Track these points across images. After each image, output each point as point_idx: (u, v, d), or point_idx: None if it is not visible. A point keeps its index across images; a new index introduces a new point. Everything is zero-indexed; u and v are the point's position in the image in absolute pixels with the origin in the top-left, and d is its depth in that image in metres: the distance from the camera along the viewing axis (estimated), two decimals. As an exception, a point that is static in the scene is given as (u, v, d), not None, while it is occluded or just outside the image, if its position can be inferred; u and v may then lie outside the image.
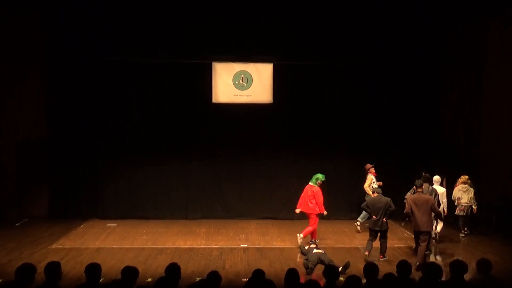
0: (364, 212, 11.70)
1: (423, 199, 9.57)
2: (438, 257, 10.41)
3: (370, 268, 5.79)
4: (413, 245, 10.61)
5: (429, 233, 9.78)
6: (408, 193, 10.47)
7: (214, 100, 13.39)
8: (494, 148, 13.22)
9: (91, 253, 10.23)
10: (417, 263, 9.18)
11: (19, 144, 13.56)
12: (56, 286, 5.46)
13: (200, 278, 7.47)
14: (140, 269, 5.88)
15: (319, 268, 8.63)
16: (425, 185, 10.29)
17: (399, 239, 11.56)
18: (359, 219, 12.39)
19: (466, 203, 11.76)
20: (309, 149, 13.71)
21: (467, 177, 11.94)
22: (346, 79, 13.67)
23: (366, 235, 10.47)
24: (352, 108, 13.77)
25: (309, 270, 8.86)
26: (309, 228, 10.83)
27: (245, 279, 7.72)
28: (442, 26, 13.71)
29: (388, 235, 10.10)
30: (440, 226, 11.33)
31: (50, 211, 13.53)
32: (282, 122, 13.67)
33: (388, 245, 10.07)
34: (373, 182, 12.08)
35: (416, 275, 6.47)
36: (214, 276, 5.55)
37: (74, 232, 12.05)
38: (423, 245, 9.49)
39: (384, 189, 10.92)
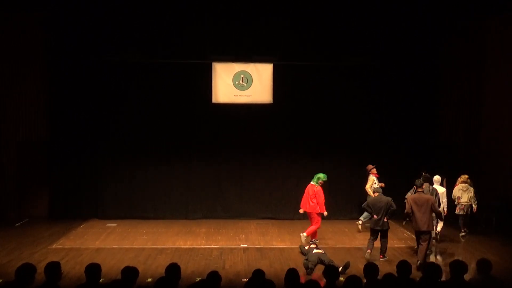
0: (366, 212, 11.70)
1: (423, 198, 9.58)
2: (438, 257, 10.41)
3: (370, 268, 5.78)
4: (414, 245, 10.64)
5: (430, 232, 9.79)
6: (409, 193, 10.49)
7: (214, 100, 13.38)
8: (494, 148, 13.23)
9: (91, 253, 10.23)
10: (418, 262, 9.22)
11: (19, 144, 13.57)
12: (56, 286, 5.46)
13: (200, 278, 7.47)
14: (140, 269, 5.88)
15: (319, 268, 8.63)
16: (426, 185, 10.30)
17: (399, 239, 11.56)
18: (361, 218, 12.36)
19: (466, 202, 11.76)
20: (309, 149, 13.71)
21: (467, 176, 11.94)
22: (346, 79, 13.67)
23: (367, 235, 10.49)
24: (352, 108, 13.77)
25: (309, 270, 8.86)
26: (313, 227, 10.86)
27: (245, 279, 7.72)
28: (442, 26, 13.71)
29: (388, 235, 10.10)
30: (440, 226, 11.33)
31: (50, 211, 13.53)
32: (282, 122, 13.67)
33: (388, 245, 10.07)
34: (375, 183, 12.07)
35: (416, 274, 6.46)
36: (214, 276, 5.55)
37: (74, 232, 12.06)
38: (424, 244, 9.50)
39: (385, 189, 10.92)
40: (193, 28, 13.23)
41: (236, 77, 13.39)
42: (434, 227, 10.75)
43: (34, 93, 13.51)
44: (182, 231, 12.28)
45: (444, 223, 11.38)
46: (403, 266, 5.80)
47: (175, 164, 13.64)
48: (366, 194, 12.27)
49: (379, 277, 5.73)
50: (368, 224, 10.81)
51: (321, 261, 9.05)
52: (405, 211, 9.76)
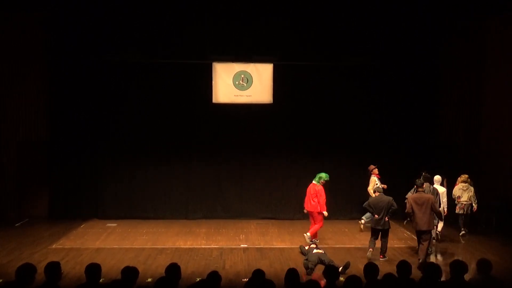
0: (368, 212, 11.70)
1: (424, 198, 9.61)
2: (438, 257, 10.41)
3: (370, 268, 5.79)
4: (414, 245, 10.67)
5: (431, 232, 9.85)
6: (409, 193, 10.50)
7: (214, 100, 13.38)
8: (494, 148, 13.23)
9: (91, 253, 10.23)
10: (420, 260, 9.29)
11: (19, 144, 13.56)
12: (56, 286, 5.46)
13: (200, 278, 7.47)
14: (140, 269, 5.88)
15: (319, 268, 8.63)
16: (426, 185, 10.32)
17: (399, 239, 11.56)
18: (363, 217, 12.32)
19: (466, 201, 11.76)
20: (309, 149, 13.71)
21: (467, 176, 11.95)
22: (346, 79, 13.67)
23: (367, 235, 10.49)
24: (352, 108, 13.77)
25: (309, 270, 8.86)
26: (316, 227, 10.88)
27: (245, 279, 7.72)
28: (442, 26, 13.71)
29: (388, 235, 10.11)
30: (440, 226, 11.34)
31: (50, 211, 13.53)
32: (282, 122, 13.67)
33: (388, 245, 10.08)
34: (376, 184, 12.07)
35: (416, 275, 6.45)
36: (214, 276, 5.55)
37: (74, 232, 12.05)
38: (425, 244, 9.55)
39: (385, 189, 10.92)
40: (193, 28, 13.23)
41: (236, 77, 13.39)
42: (435, 226, 10.77)
43: (34, 93, 13.51)
44: (182, 231, 12.28)
45: (444, 223, 11.38)
46: (403, 266, 5.80)
47: (175, 164, 13.64)
48: (367, 194, 12.24)
49: (379, 277, 5.73)
50: (369, 225, 10.82)
51: (321, 261, 9.06)
52: (406, 211, 9.81)
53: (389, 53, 13.57)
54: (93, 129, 13.44)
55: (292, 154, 13.74)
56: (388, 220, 9.96)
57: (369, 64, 13.60)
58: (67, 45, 13.12)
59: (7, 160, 13.55)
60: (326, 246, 10.77)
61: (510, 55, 12.69)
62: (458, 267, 5.77)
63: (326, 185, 11.00)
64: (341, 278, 6.81)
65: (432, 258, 10.14)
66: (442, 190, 11.25)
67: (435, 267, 5.86)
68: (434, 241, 10.84)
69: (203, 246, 10.96)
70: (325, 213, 10.79)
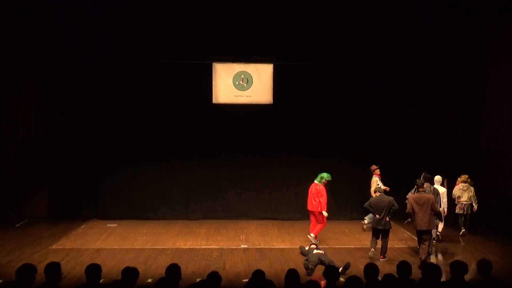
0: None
1: (424, 198, 9.65)
2: (438, 257, 10.41)
3: (371, 268, 5.79)
4: (414, 245, 10.68)
5: (431, 231, 9.90)
6: (410, 193, 10.51)
7: (214, 101, 13.38)
8: (494, 148, 13.23)
9: (91, 254, 10.23)
10: (422, 258, 9.37)
11: (19, 144, 13.56)
12: (56, 287, 5.46)
13: (200, 279, 7.47)
14: (140, 270, 5.88)
15: (320, 269, 8.63)
16: (426, 185, 10.33)
17: (400, 240, 11.56)
18: (366, 218, 12.30)
19: (466, 201, 11.77)
20: (309, 149, 13.71)
21: (467, 176, 11.95)
22: (346, 79, 13.67)
23: (367, 236, 10.49)
24: (352, 108, 13.77)
25: (309, 270, 8.86)
26: (319, 226, 10.90)
27: (245, 280, 7.71)
28: (442, 26, 13.70)
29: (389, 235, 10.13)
30: (441, 227, 11.35)
31: (50, 212, 13.52)
32: (282, 123, 13.66)
33: (388, 245, 10.08)
34: (378, 185, 12.07)
35: (416, 275, 6.45)
36: (214, 277, 5.55)
37: (74, 233, 12.05)
38: (426, 243, 9.60)
39: (386, 190, 10.92)
40: (193, 28, 13.23)
41: (236, 77, 13.38)
42: (436, 226, 10.79)
43: (34, 93, 13.50)
44: (182, 232, 12.28)
45: (444, 223, 11.38)
46: (403, 266, 5.80)
47: (175, 164, 13.63)
48: (368, 194, 12.22)
49: (379, 277, 5.73)
50: (371, 225, 10.83)
51: (321, 262, 9.07)
52: (406, 211, 9.88)
53: (389, 53, 13.56)
54: (93, 129, 13.43)
55: (292, 154, 13.74)
56: (389, 220, 9.97)
57: (369, 64, 13.59)
58: (67, 45, 13.11)
59: (7, 160, 13.55)
60: (326, 246, 10.78)
61: (510, 55, 12.69)
62: (458, 267, 5.77)
63: (327, 185, 11.00)
64: (341, 279, 6.82)
65: (432, 258, 10.14)
66: (442, 190, 11.26)
67: (435, 267, 5.86)
68: (434, 241, 10.84)
69: (203, 247, 10.95)
70: (325, 213, 10.78)
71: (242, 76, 13.39)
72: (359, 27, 13.42)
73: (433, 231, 10.40)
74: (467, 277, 5.92)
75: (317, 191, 10.76)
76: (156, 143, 13.52)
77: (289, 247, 10.96)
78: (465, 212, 11.82)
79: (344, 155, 13.79)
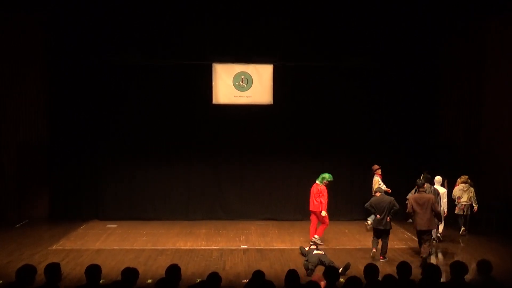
0: None
1: (424, 198, 9.69)
2: (438, 258, 10.41)
3: (371, 269, 5.78)
4: (414, 246, 10.67)
5: (431, 231, 9.94)
6: (410, 194, 10.50)
7: (214, 101, 13.37)
8: (494, 148, 13.23)
9: (92, 254, 10.23)
10: (423, 257, 9.43)
11: (19, 144, 13.55)
12: (56, 287, 5.45)
13: (200, 279, 7.44)
14: (140, 270, 5.88)
15: (320, 269, 8.63)
16: (427, 185, 10.33)
17: (400, 240, 11.55)
18: (369, 219, 12.29)
19: (465, 202, 11.77)
20: (309, 150, 13.70)
21: (467, 176, 11.96)
22: (346, 79, 13.66)
23: (368, 236, 10.48)
24: (352, 108, 13.76)
25: (309, 271, 8.85)
26: (323, 226, 10.95)
27: (245, 280, 7.70)
28: (442, 26, 13.71)
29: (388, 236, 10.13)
30: (441, 228, 11.36)
31: (50, 212, 13.52)
32: (282, 123, 13.66)
33: (388, 246, 10.09)
34: (380, 184, 12.07)
35: (416, 276, 6.45)
36: (214, 277, 5.55)
37: (74, 233, 12.04)
38: (426, 243, 9.64)
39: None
40: (193, 28, 13.23)
41: (236, 78, 13.38)
42: (437, 226, 10.79)
43: (34, 93, 13.50)
44: (182, 232, 12.27)
45: (444, 224, 11.39)
46: (403, 267, 5.80)
47: (175, 165, 13.62)
48: (369, 195, 12.20)
49: (379, 278, 5.72)
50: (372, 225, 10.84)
51: (321, 262, 9.06)
52: (407, 211, 9.90)
53: (389, 53, 13.56)
54: (93, 130, 13.43)
55: (292, 155, 13.73)
56: (390, 221, 9.98)
57: (369, 64, 13.57)
58: (67, 45, 13.12)
59: (7, 160, 13.54)
60: (326, 247, 10.77)
61: (510, 55, 12.68)
62: (458, 268, 5.77)
63: (328, 185, 11.02)
64: (341, 279, 6.81)
65: (432, 259, 10.13)
66: (442, 190, 11.26)
67: (435, 268, 5.86)
68: (434, 242, 10.83)
69: (203, 247, 10.95)
70: (324, 213, 10.80)
71: (242, 77, 13.39)
72: (359, 27, 13.42)
73: (433, 231, 10.40)
74: (467, 277, 5.91)
75: (319, 191, 10.78)
76: (156, 144, 13.51)
77: (289, 247, 10.96)
78: (465, 213, 11.82)
79: (344, 156, 13.78)
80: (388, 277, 5.56)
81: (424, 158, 13.58)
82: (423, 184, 9.96)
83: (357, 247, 11.01)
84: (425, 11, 13.15)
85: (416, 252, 10.25)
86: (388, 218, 9.92)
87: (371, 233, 10.56)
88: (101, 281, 5.93)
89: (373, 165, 12.65)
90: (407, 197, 10.42)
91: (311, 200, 10.95)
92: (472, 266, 8.06)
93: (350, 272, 8.45)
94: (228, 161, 13.70)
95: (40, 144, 13.53)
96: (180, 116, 13.51)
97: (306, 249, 9.98)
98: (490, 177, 13.12)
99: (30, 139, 13.57)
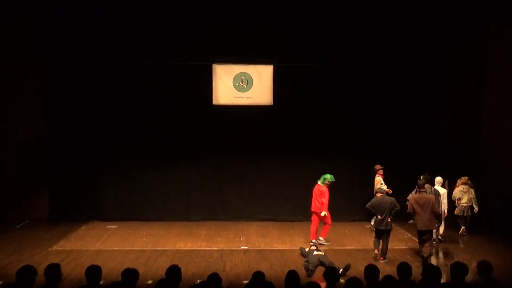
0: None
1: (425, 198, 9.70)
2: (438, 259, 10.41)
3: (371, 270, 5.78)
4: (414, 246, 10.67)
5: (432, 231, 9.95)
6: (410, 194, 10.50)
7: (214, 102, 13.35)
8: (494, 148, 13.22)
9: (92, 255, 10.22)
10: (424, 256, 9.48)
11: (19, 144, 13.54)
12: (56, 289, 5.46)
13: (200, 280, 7.45)
14: (140, 271, 5.88)
15: (320, 270, 8.62)
16: (427, 186, 10.32)
17: (400, 241, 11.54)
18: (373, 220, 12.26)
19: (466, 203, 11.76)
20: (309, 151, 13.68)
21: (467, 178, 11.95)
22: (346, 80, 13.65)
23: (368, 237, 10.48)
24: (352, 109, 13.75)
25: (309, 272, 8.85)
26: (326, 227, 10.97)
27: (246, 281, 7.70)
28: (442, 26, 13.69)
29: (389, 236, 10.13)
30: (442, 229, 11.36)
31: (50, 213, 13.51)
32: (282, 124, 13.64)
33: (389, 246, 10.08)
34: (382, 184, 12.06)
35: (417, 276, 6.45)
36: (214, 278, 5.55)
37: (75, 234, 12.04)
38: (427, 243, 9.65)
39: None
40: (193, 29, 13.22)
41: (237, 78, 13.36)
42: (438, 226, 10.79)
43: (34, 93, 13.49)
44: (182, 233, 12.26)
45: (444, 224, 11.38)
46: (404, 268, 5.80)
47: (176, 166, 13.60)
48: (370, 195, 12.18)
49: (379, 279, 5.72)
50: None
51: (321, 263, 9.06)
52: (407, 211, 9.91)
53: (389, 53, 13.55)
54: (93, 130, 13.42)
55: (292, 156, 13.70)
56: (390, 221, 9.99)
57: (369, 65, 13.55)
58: (67, 45, 13.11)
59: (7, 160, 13.54)
60: (327, 248, 10.77)
61: (510, 55, 12.68)
62: (459, 269, 5.76)
63: (330, 186, 11.03)
64: (342, 280, 6.81)
65: (432, 260, 10.10)
66: (443, 191, 11.26)
67: (435, 269, 5.86)
68: (434, 242, 10.83)
69: (203, 248, 10.95)
70: (323, 213, 10.82)
71: (242, 78, 13.37)
72: (359, 27, 13.41)
73: (434, 232, 10.39)
74: (468, 278, 5.90)
75: (320, 192, 10.81)
76: (156, 144, 13.50)
77: (289, 248, 10.95)
78: (465, 214, 11.82)
79: (344, 156, 13.76)
80: (388, 278, 5.56)
81: (424, 158, 13.56)
82: (424, 185, 9.96)
83: (357, 248, 11.01)
84: (425, 11, 13.14)
85: (416, 252, 10.25)
86: (389, 218, 9.93)
87: (372, 234, 10.55)
88: (101, 282, 5.94)
89: (375, 164, 12.63)
90: (408, 197, 10.41)
91: (313, 201, 10.98)
92: (472, 266, 8.06)
93: (350, 273, 8.43)
94: (228, 161, 13.69)
95: (40, 144, 13.51)
96: (180, 117, 13.49)
97: (306, 250, 9.98)
98: (490, 177, 13.12)
99: (30, 139, 13.56)
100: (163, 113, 13.47)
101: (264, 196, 13.79)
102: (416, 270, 6.94)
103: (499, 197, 12.84)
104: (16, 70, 13.42)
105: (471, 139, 13.86)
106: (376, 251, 9.94)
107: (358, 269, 8.78)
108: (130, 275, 5.55)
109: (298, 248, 10.62)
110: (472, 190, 11.80)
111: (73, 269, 9.16)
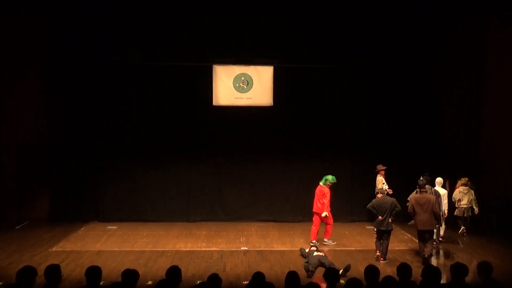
0: None
1: (425, 198, 9.74)
2: (439, 259, 10.40)
3: (371, 270, 5.78)
4: (414, 247, 10.67)
5: (433, 231, 9.97)
6: (411, 195, 10.50)
7: (214, 103, 13.33)
8: (494, 148, 13.22)
9: (92, 256, 10.22)
10: (425, 255, 9.52)
11: (19, 144, 13.53)
12: (56, 289, 5.45)
13: (200, 281, 7.43)
14: (140, 272, 5.88)
15: (320, 271, 8.62)
16: (427, 187, 10.32)
17: (400, 242, 11.54)
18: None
19: (466, 204, 11.77)
20: (309, 151, 13.67)
21: (467, 179, 11.96)
22: (346, 80, 13.64)
23: (368, 237, 10.47)
24: (352, 109, 13.74)
25: (309, 273, 8.85)
26: (328, 227, 11.01)
27: (246, 282, 7.71)
28: (442, 26, 13.69)
29: (389, 237, 10.12)
30: (442, 230, 11.36)
31: (51, 214, 13.50)
32: (282, 124, 13.62)
33: (389, 247, 10.08)
34: (384, 184, 12.05)
35: (417, 277, 6.44)
36: (214, 279, 5.55)
37: (75, 235, 12.03)
38: (428, 243, 9.68)
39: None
40: (193, 29, 13.21)
41: (237, 79, 13.35)
42: (438, 227, 10.79)
43: (34, 93, 13.49)
44: (182, 234, 12.25)
45: (444, 225, 11.38)
46: (404, 268, 5.80)
47: (176, 166, 13.59)
48: (372, 195, 12.16)
49: (379, 279, 5.71)
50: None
51: (321, 264, 9.05)
52: (408, 211, 9.93)
53: (389, 53, 13.54)
54: (93, 130, 13.42)
55: (292, 156, 13.69)
56: (391, 222, 9.99)
57: (369, 65, 13.55)
58: (67, 45, 13.10)
59: (7, 160, 13.52)
60: (327, 248, 10.76)
61: (510, 55, 12.68)
62: (459, 269, 5.76)
63: (332, 187, 11.03)
64: (342, 281, 6.80)
65: (432, 260, 10.11)
66: (443, 192, 11.26)
67: (435, 270, 5.85)
68: (434, 243, 10.82)
69: (203, 249, 10.94)
70: (324, 213, 10.82)
71: (243, 78, 13.36)
72: (359, 28, 13.40)
73: (434, 232, 10.40)
74: (468, 279, 5.90)
75: (322, 193, 10.81)
76: (156, 145, 13.49)
77: (290, 249, 10.94)
78: (465, 215, 11.83)
79: (344, 156, 13.74)
80: (388, 278, 5.56)
81: (424, 158, 13.57)
82: (425, 185, 9.98)
83: (358, 248, 11.00)
84: (425, 11, 13.13)
85: (417, 253, 10.25)
86: (390, 219, 9.93)
87: (373, 235, 10.55)
88: (101, 283, 5.92)
89: (377, 164, 12.61)
90: (408, 198, 10.41)
91: (314, 202, 10.99)
92: (472, 266, 8.06)
93: (351, 274, 8.43)
94: (229, 162, 13.68)
95: (40, 144, 13.51)
96: (180, 117, 13.48)
97: (307, 250, 9.97)
98: (490, 177, 13.12)
99: (30, 139, 13.55)
100: (163, 114, 13.46)
101: (264, 197, 13.78)
102: (416, 271, 6.94)
103: (499, 197, 12.84)
104: (16, 70, 13.41)
105: (471, 139, 13.85)
106: (378, 252, 9.95)
107: (358, 270, 8.78)
108: (130, 275, 5.55)
109: (298, 248, 10.62)
110: (472, 191, 11.81)
111: (73, 269, 9.16)
